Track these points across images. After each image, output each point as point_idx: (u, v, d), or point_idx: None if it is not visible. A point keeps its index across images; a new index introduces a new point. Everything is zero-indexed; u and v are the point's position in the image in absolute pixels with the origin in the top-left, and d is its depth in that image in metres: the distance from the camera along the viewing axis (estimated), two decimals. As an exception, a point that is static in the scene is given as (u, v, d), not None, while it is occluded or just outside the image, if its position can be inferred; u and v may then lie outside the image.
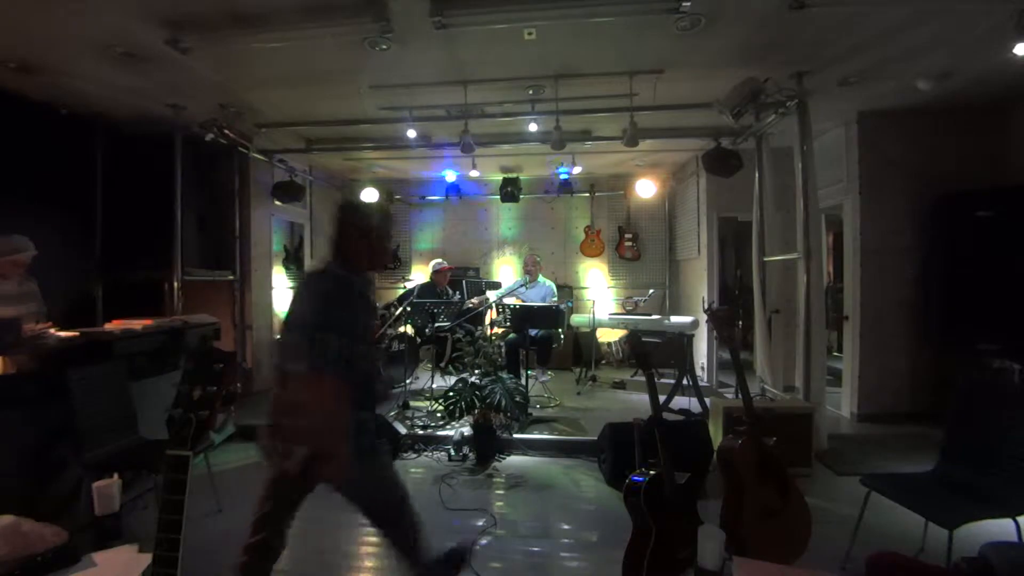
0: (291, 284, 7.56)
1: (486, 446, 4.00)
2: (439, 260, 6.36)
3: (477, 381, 4.31)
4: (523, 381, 4.68)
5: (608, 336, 7.36)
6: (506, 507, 3.27)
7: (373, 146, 5.78)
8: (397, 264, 8.28)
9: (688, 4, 2.94)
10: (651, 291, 7.00)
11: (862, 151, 4.79)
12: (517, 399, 4.22)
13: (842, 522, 2.67)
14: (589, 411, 4.95)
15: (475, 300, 6.53)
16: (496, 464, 3.94)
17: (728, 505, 2.42)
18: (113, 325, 3.59)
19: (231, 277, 5.47)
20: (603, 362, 7.31)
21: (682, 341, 5.19)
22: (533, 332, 5.29)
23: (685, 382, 4.93)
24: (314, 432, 1.70)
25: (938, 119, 4.65)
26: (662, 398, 4.15)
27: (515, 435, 4.21)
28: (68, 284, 4.53)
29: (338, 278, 1.93)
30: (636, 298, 6.71)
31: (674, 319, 5.67)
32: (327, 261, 2.02)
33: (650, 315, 6.20)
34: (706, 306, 3.13)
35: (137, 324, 3.61)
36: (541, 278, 6.21)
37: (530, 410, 4.54)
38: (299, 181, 6.03)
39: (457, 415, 4.22)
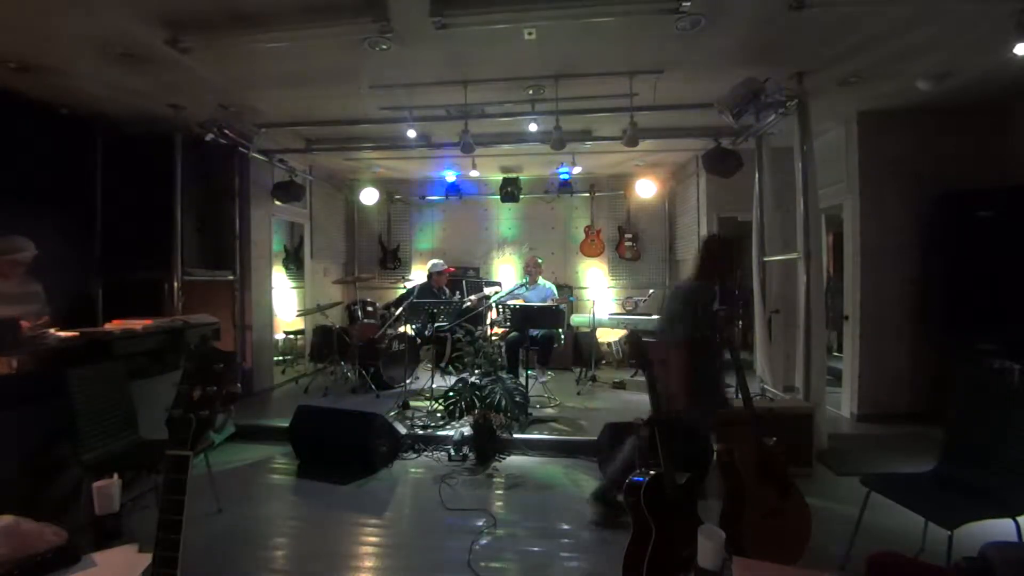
0: (293, 284, 7.58)
1: (486, 446, 4.00)
2: (438, 261, 6.36)
3: (477, 381, 4.31)
4: (523, 381, 4.67)
5: (608, 336, 7.36)
6: (506, 507, 3.27)
7: (373, 146, 5.78)
8: (397, 264, 8.29)
9: (688, 4, 2.94)
10: (651, 291, 7.00)
11: (862, 151, 4.79)
12: (517, 399, 4.22)
13: (842, 522, 2.67)
14: (589, 411, 4.95)
15: (473, 298, 6.54)
16: (496, 464, 3.94)
17: (728, 505, 2.42)
18: (113, 325, 3.58)
19: (231, 277, 5.47)
20: (603, 362, 7.31)
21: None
22: (534, 332, 5.29)
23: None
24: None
25: (938, 119, 4.65)
26: (662, 398, 4.14)
27: (515, 435, 4.21)
28: (68, 284, 4.53)
29: (706, 288, 2.89)
30: (636, 298, 6.71)
31: (674, 319, 5.66)
32: (692, 277, 3.01)
33: (650, 315, 6.20)
34: (706, 306, 3.13)
35: (137, 324, 3.61)
36: (541, 280, 6.20)
37: (530, 410, 4.54)
38: (299, 181, 6.03)
39: (457, 415, 4.22)
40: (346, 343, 5.86)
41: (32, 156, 4.22)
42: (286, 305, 7.25)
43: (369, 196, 7.54)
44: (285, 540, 2.96)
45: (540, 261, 6.26)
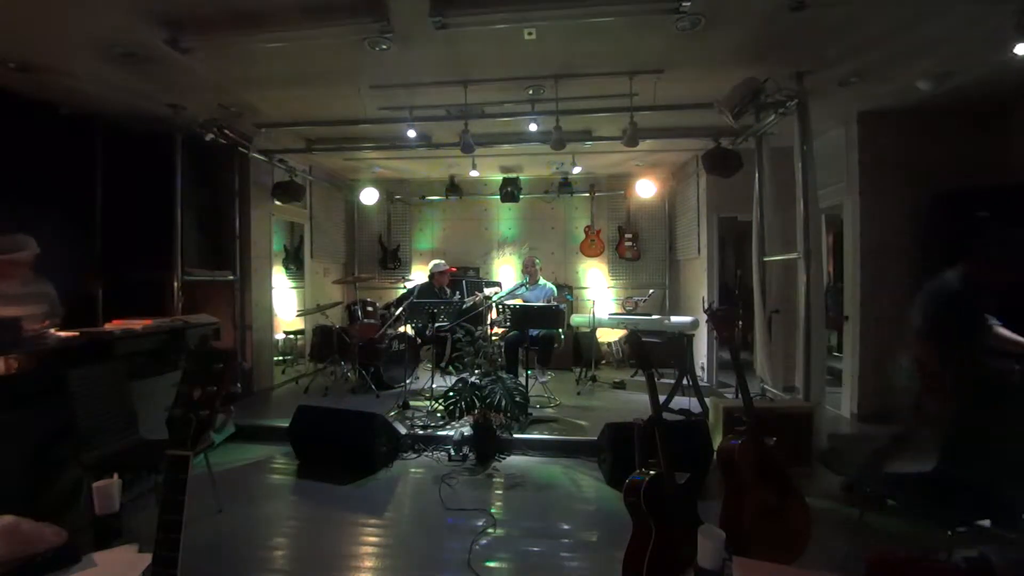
0: (293, 284, 7.58)
1: (486, 446, 4.00)
2: (440, 261, 6.36)
3: (477, 381, 4.31)
4: (523, 381, 4.67)
5: (608, 336, 7.36)
6: (506, 507, 3.27)
7: (373, 146, 5.78)
8: (397, 264, 8.29)
9: (688, 4, 2.94)
10: (651, 291, 7.00)
11: (862, 151, 4.78)
12: (517, 399, 4.22)
13: (842, 522, 2.67)
14: (589, 411, 4.95)
15: (476, 295, 6.54)
16: (496, 464, 3.94)
17: (728, 505, 2.42)
18: (113, 325, 3.58)
19: (231, 277, 5.47)
20: (603, 362, 7.31)
21: (682, 341, 5.19)
22: (534, 332, 5.29)
23: (685, 382, 4.93)
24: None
25: (938, 119, 4.64)
26: (662, 398, 4.15)
27: (515, 435, 4.21)
28: (68, 284, 4.52)
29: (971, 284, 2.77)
30: (636, 298, 6.71)
31: (674, 319, 5.68)
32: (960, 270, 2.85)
33: (650, 315, 6.20)
34: (706, 306, 3.13)
35: (137, 324, 3.61)
36: (541, 280, 6.21)
37: (530, 410, 4.54)
38: (299, 181, 6.03)
39: (457, 415, 4.22)
40: (346, 343, 5.87)
41: (32, 156, 4.22)
42: (286, 305, 7.25)
43: (369, 196, 7.54)
44: (285, 540, 2.96)
45: (537, 261, 6.26)
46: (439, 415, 4.49)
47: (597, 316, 6.04)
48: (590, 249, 7.89)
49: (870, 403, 4.77)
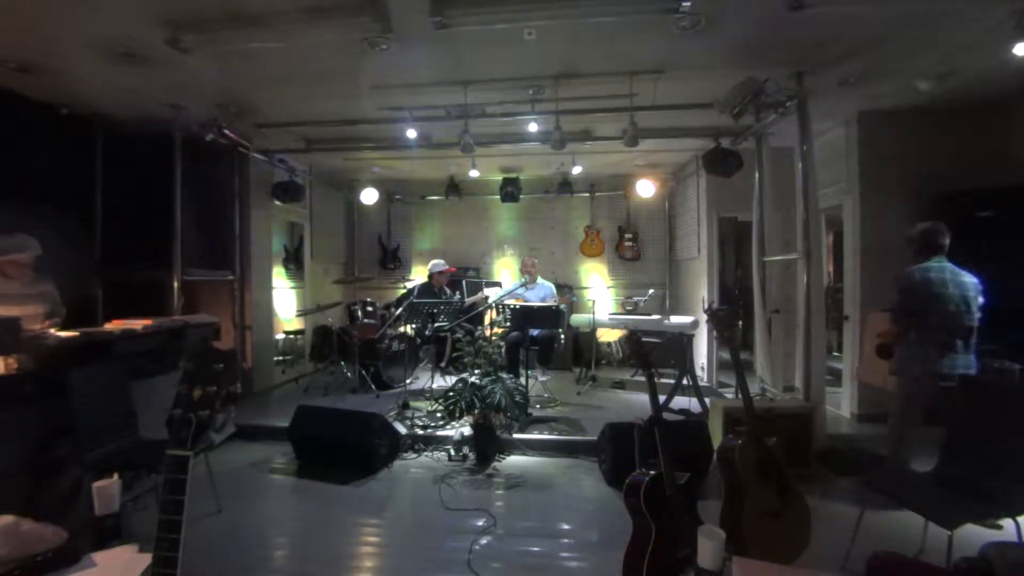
0: (293, 284, 7.57)
1: (486, 446, 4.00)
2: (439, 261, 6.36)
3: (477, 381, 4.30)
4: (523, 381, 4.67)
5: (608, 336, 7.36)
6: (506, 507, 3.27)
7: (373, 146, 5.78)
8: (397, 264, 8.29)
9: (688, 4, 2.94)
10: (651, 291, 7.00)
11: (862, 151, 4.78)
12: (517, 399, 4.22)
13: (842, 522, 2.67)
14: (589, 411, 4.95)
15: (476, 296, 6.54)
16: (496, 464, 3.94)
17: (728, 505, 2.42)
18: (113, 325, 3.58)
19: (231, 277, 5.47)
20: (603, 362, 7.31)
21: (682, 341, 5.19)
22: (534, 332, 5.28)
23: (685, 382, 4.93)
24: None
25: (938, 119, 4.64)
26: (662, 398, 4.16)
27: (515, 435, 4.21)
28: (68, 284, 4.52)
29: None
30: (636, 298, 6.71)
31: (674, 319, 5.67)
32: None
33: (650, 315, 6.20)
34: (706, 306, 3.13)
35: (137, 324, 3.61)
36: (541, 280, 6.21)
37: (530, 410, 4.54)
38: (299, 181, 6.03)
39: (457, 415, 4.21)
40: (346, 343, 5.87)
41: (32, 156, 4.22)
42: (286, 305, 7.24)
43: (369, 196, 7.54)
44: (285, 540, 2.96)
45: (536, 261, 6.26)
46: (439, 415, 4.49)
47: (597, 316, 6.04)
48: (590, 249, 7.90)
49: (870, 403, 4.77)
